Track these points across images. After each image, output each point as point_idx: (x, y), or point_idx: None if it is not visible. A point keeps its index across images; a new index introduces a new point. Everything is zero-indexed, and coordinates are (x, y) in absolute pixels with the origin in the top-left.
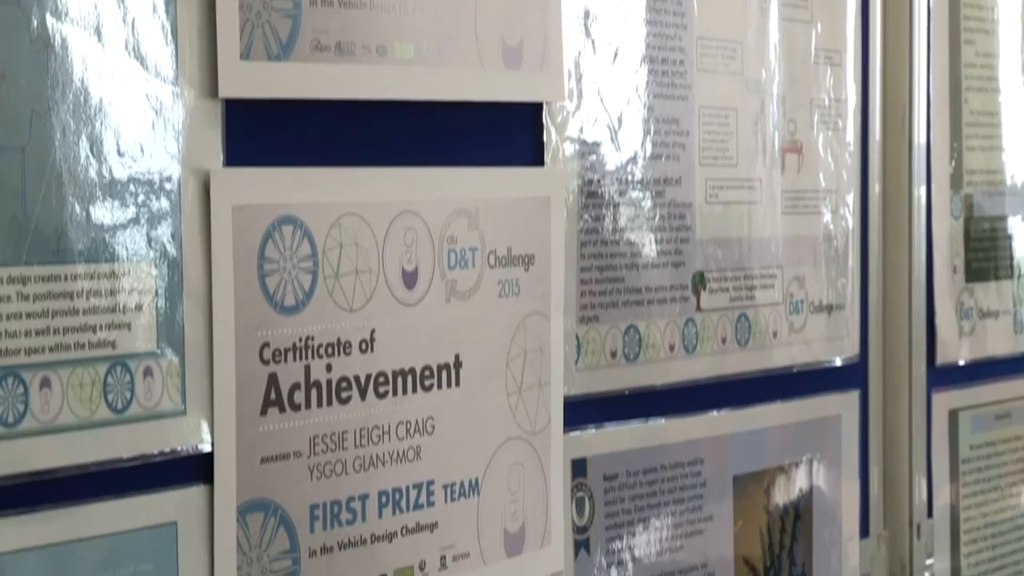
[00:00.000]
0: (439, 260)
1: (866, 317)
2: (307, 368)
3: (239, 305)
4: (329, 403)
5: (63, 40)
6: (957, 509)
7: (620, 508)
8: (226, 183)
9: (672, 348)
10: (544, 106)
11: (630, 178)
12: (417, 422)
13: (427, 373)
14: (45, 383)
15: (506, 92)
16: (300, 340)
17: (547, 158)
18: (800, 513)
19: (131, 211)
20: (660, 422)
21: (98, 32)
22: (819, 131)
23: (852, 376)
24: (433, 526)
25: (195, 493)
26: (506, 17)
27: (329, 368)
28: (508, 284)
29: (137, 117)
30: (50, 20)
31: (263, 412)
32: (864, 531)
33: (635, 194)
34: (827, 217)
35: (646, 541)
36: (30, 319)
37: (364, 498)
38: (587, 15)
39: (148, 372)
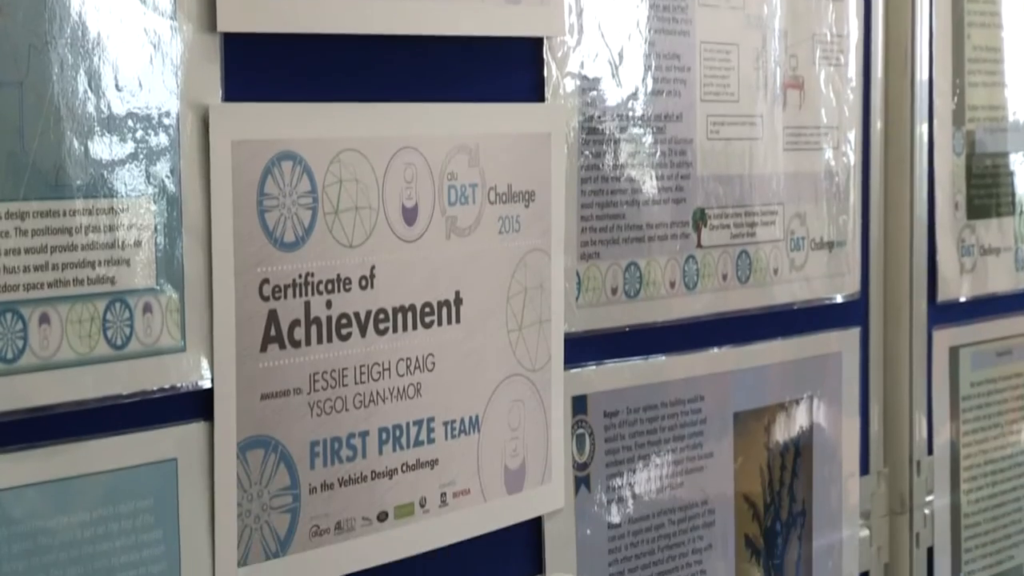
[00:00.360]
0: (439, 196)
1: (867, 254)
2: (307, 304)
3: (238, 241)
4: (329, 340)
5: None
6: (957, 446)
7: (620, 445)
8: (225, 118)
9: (673, 285)
10: (544, 41)
11: (631, 114)
12: (417, 359)
13: (427, 310)
14: (44, 319)
15: (506, 27)
16: (300, 276)
17: (547, 94)
18: (800, 450)
19: (129, 146)
20: (660, 359)
21: None
22: (821, 67)
23: (853, 313)
24: (433, 463)
25: (195, 430)
26: None
27: (329, 304)
28: (508, 220)
29: (135, 51)
30: None
31: (263, 348)
32: (864, 468)
33: (636, 130)
34: (828, 153)
35: (646, 478)
36: (28, 255)
37: (364, 435)
38: None
39: (147, 308)
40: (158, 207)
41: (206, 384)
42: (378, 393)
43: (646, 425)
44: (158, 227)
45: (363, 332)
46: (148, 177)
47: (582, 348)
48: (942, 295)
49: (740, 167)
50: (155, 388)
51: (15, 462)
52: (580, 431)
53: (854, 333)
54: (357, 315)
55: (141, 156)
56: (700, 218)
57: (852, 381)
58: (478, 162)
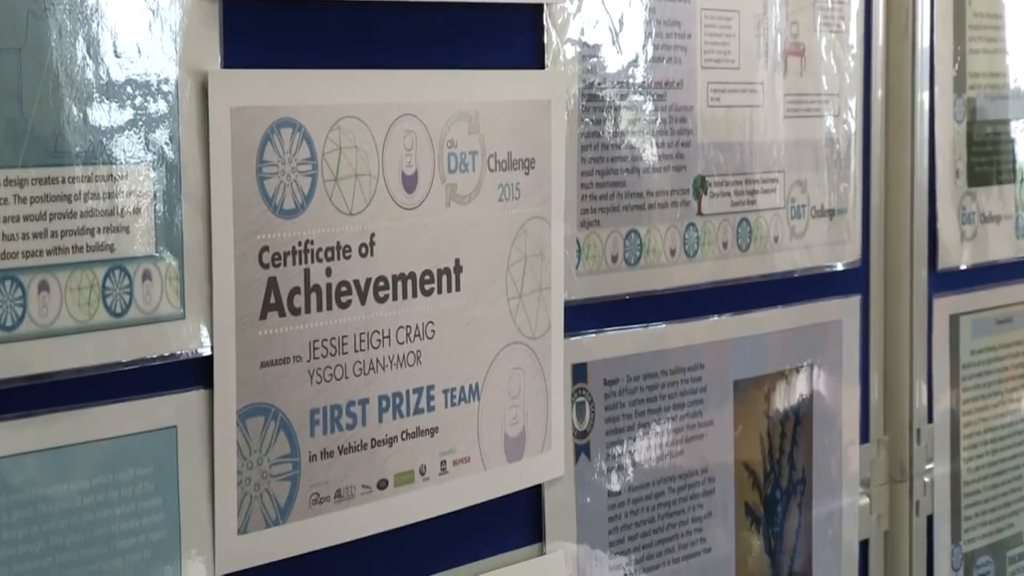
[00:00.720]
0: (439, 164)
1: (867, 222)
2: (307, 272)
3: (238, 208)
4: (329, 307)
5: None
6: (957, 414)
7: (620, 413)
8: (224, 85)
9: (673, 253)
10: (545, 7)
11: (631, 81)
12: (417, 327)
13: (427, 277)
14: (43, 286)
15: None
16: (299, 244)
17: (547, 61)
18: (800, 418)
19: (128, 113)
20: (661, 327)
21: None
22: (822, 33)
23: (853, 281)
24: (433, 431)
25: (195, 397)
26: None
27: (329, 272)
28: (508, 188)
29: (134, 18)
30: None
31: (263, 316)
32: (864, 436)
33: (636, 97)
34: (829, 121)
35: (646, 446)
36: (27, 222)
37: (364, 403)
38: None
39: (147, 275)
40: (157, 174)
41: (206, 351)
42: (378, 361)
43: (646, 393)
44: (157, 194)
45: (363, 300)
46: (147, 144)
47: (582, 316)
48: (942, 263)
49: (741, 134)
50: (155, 355)
51: (14, 430)
52: (580, 399)
53: (854, 301)
54: (357, 283)
55: (140, 123)
56: (700, 186)
57: (852, 349)
58: (478, 129)
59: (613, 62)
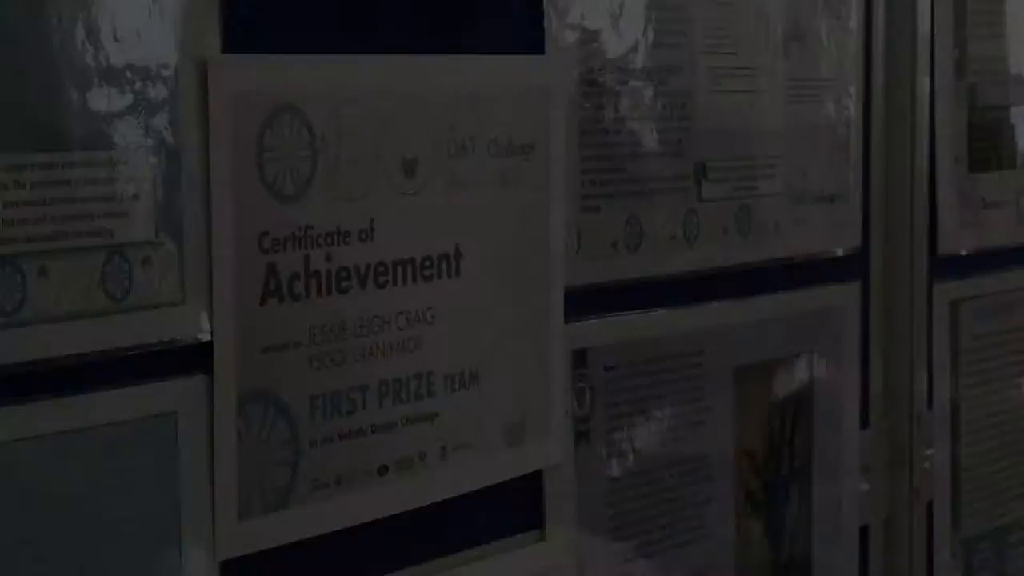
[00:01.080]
0: (439, 149)
1: (868, 207)
2: (306, 257)
3: (237, 194)
4: (329, 293)
5: None
6: (957, 400)
7: (621, 399)
8: (224, 70)
9: (673, 238)
10: None
11: (632, 66)
12: (417, 312)
13: (427, 263)
14: (43, 272)
15: None
16: (299, 229)
17: (548, 46)
18: (801, 404)
19: (128, 98)
20: (661, 313)
21: None
22: (822, 19)
23: (854, 267)
24: (433, 416)
25: (195, 383)
26: None
27: (329, 258)
28: (508, 173)
29: (134, 2)
30: None
31: (262, 302)
32: (864, 422)
33: (636, 83)
34: (830, 106)
35: (647, 432)
36: (27, 207)
37: (364, 388)
38: None
39: (146, 261)
40: (157, 159)
41: (205, 337)
42: (378, 347)
43: (646, 379)
44: (157, 180)
45: (363, 285)
46: (147, 129)
47: (582, 302)
48: (943, 249)
49: (741, 120)
50: (154, 341)
51: (13, 416)
52: (580, 385)
53: (855, 287)
54: (357, 268)
55: (140, 108)
56: (701, 171)
57: (853, 335)
58: (478, 115)
59: (613, 47)
